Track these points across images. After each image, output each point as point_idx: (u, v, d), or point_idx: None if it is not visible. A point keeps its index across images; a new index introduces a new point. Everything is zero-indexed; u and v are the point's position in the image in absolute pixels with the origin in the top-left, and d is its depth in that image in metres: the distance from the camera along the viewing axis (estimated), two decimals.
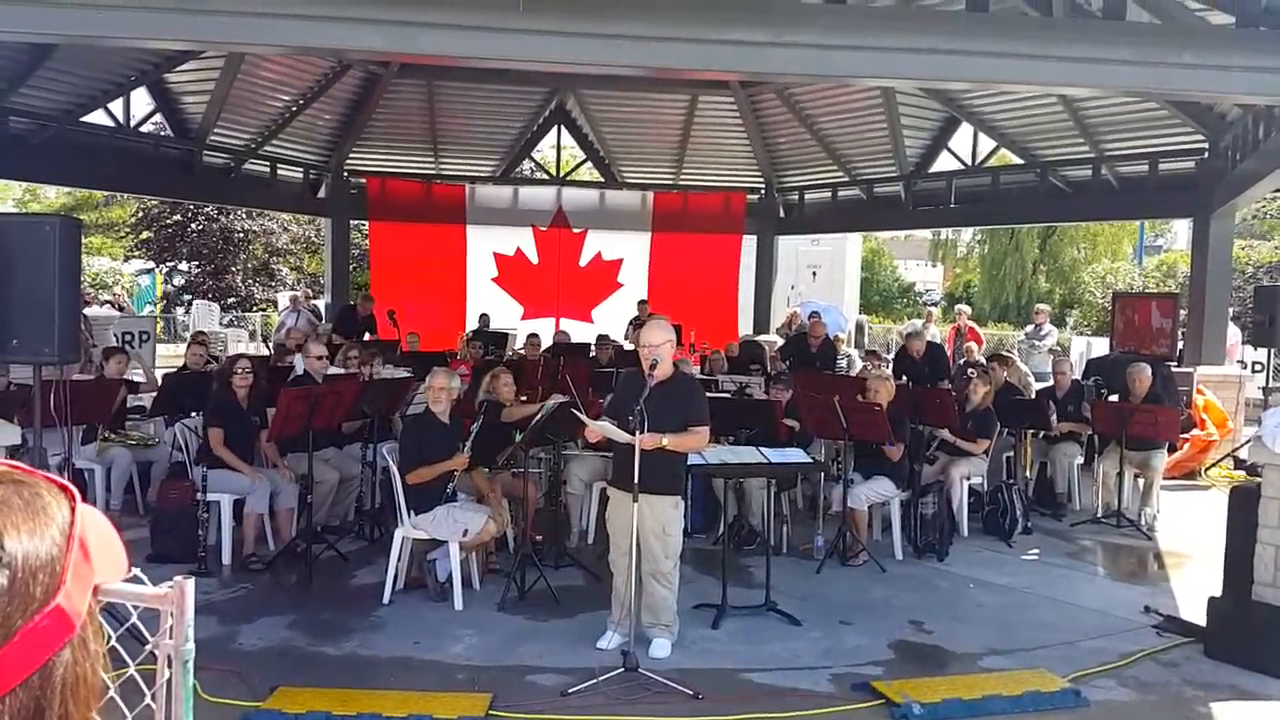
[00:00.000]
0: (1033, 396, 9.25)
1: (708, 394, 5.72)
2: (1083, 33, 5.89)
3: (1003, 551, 7.11)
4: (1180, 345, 11.19)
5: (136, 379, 7.85)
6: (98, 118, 12.15)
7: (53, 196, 28.24)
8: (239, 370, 6.42)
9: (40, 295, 4.51)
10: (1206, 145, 11.06)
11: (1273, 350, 10.49)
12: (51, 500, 0.75)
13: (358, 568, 6.21)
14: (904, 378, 9.04)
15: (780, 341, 12.89)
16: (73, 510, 0.75)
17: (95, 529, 0.78)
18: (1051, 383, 9.24)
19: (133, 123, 12.61)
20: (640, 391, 4.62)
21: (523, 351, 10.68)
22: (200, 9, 5.13)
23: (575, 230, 15.23)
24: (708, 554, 6.45)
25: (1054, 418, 8.32)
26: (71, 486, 0.78)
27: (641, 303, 13.63)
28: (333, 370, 7.42)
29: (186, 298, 25.04)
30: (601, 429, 4.76)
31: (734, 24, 5.58)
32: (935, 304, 30.11)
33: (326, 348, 7.70)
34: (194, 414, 6.63)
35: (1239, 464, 9.96)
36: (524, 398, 7.13)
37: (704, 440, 4.88)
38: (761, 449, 5.80)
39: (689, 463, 5.05)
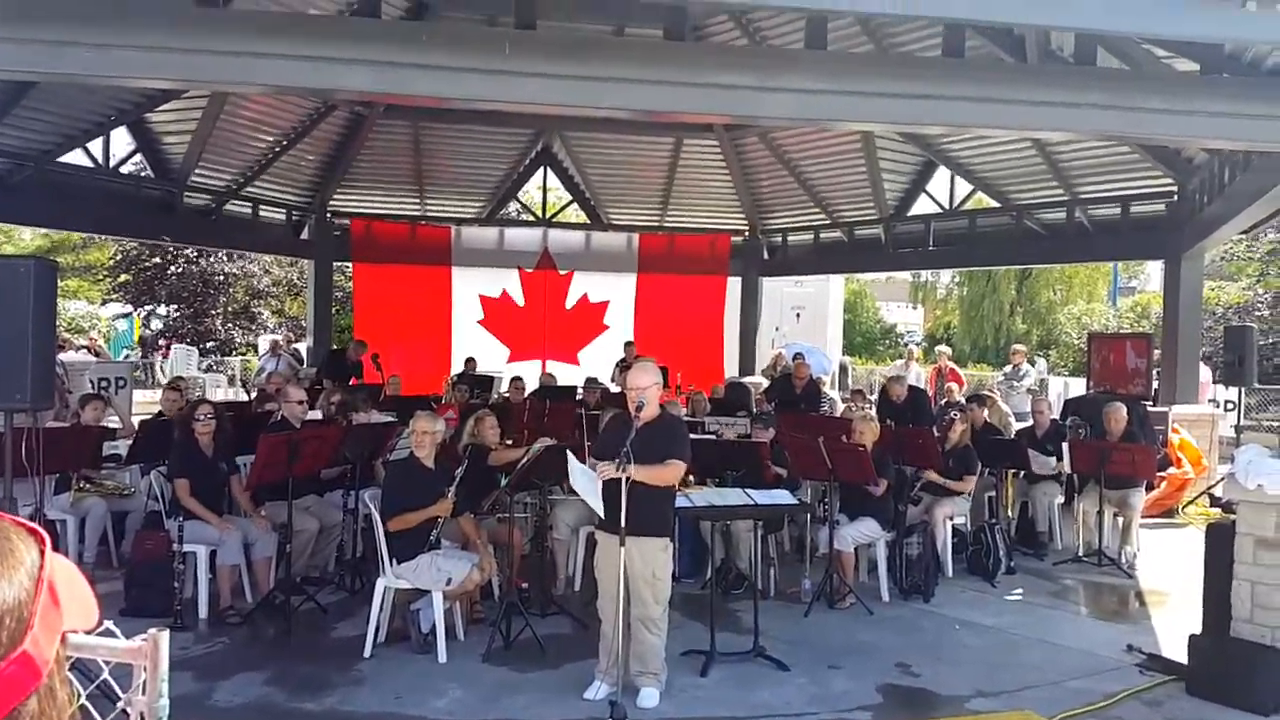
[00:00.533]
0: (1012, 436, 9.28)
1: (692, 435, 5.70)
2: (1055, 78, 6.02)
3: (987, 591, 7.11)
4: (1155, 384, 11.30)
5: (113, 425, 7.73)
6: (77, 158, 12.06)
7: (29, 238, 28.05)
8: (201, 417, 6.22)
9: (13, 339, 4.45)
10: (1175, 189, 11.28)
11: (1243, 389, 10.61)
12: (20, 544, 0.72)
13: (338, 620, 6.08)
14: (888, 421, 9.06)
15: (765, 383, 12.90)
16: (42, 554, 0.73)
17: (64, 575, 0.75)
18: (1031, 422, 9.29)
19: (113, 163, 12.53)
20: (627, 433, 4.60)
21: (508, 395, 10.62)
22: (185, 48, 5.12)
23: (561, 272, 15.27)
24: (695, 599, 6.40)
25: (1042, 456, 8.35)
26: (41, 530, 0.76)
27: (628, 344, 13.62)
28: (313, 415, 7.32)
29: (162, 343, 24.80)
30: (580, 490, 4.71)
31: (718, 68, 5.66)
32: (918, 344, 30.35)
33: (307, 392, 7.62)
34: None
35: (1215, 501, 10.02)
36: (509, 441, 7.07)
37: (676, 473, 4.81)
38: (748, 491, 5.78)
39: (676, 506, 5.02)
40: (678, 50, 5.70)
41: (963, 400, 10.50)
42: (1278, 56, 5.82)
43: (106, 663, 1.47)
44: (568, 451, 5.02)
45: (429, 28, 6.11)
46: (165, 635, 1.53)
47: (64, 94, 10.61)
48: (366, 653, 5.40)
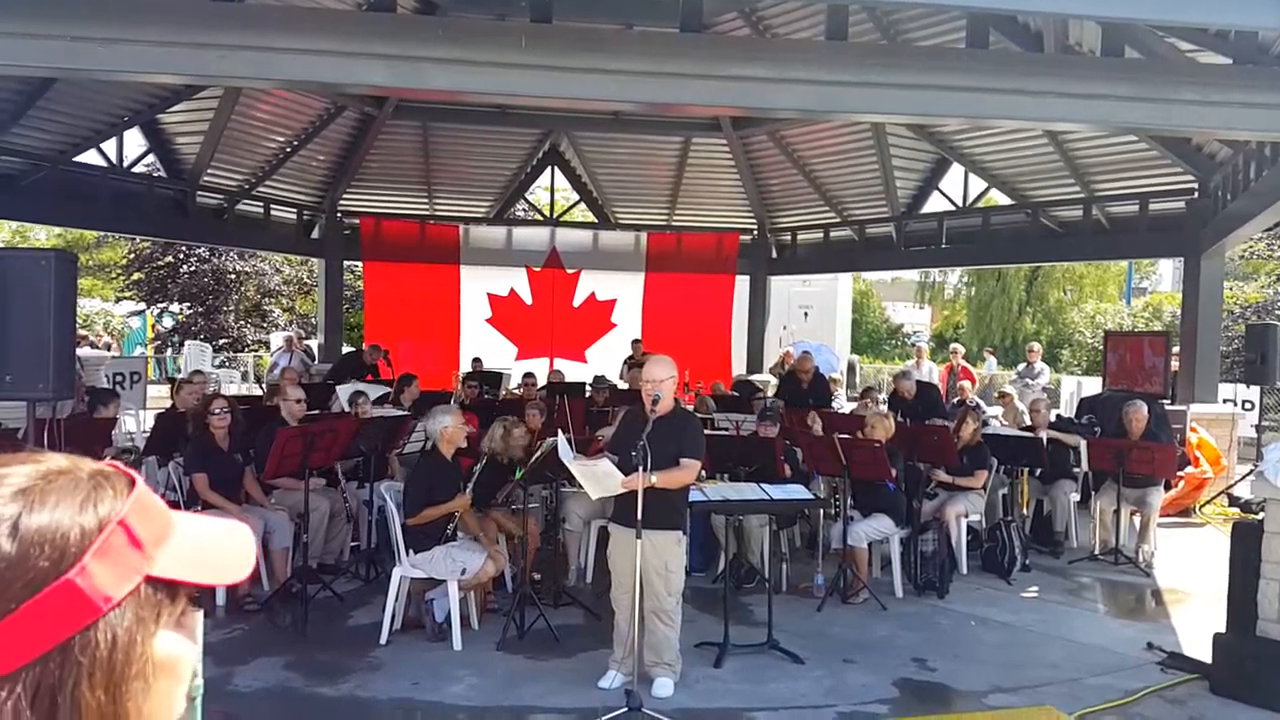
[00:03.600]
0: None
1: (706, 431, 5.68)
2: (1082, 69, 5.93)
3: (1002, 589, 7.07)
4: (1173, 383, 11.21)
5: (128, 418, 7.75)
6: (90, 158, 12.12)
7: (43, 238, 28.21)
8: (216, 411, 6.25)
9: (35, 330, 4.47)
10: (1196, 185, 11.16)
11: (1263, 388, 10.53)
12: (110, 490, 0.71)
13: (354, 608, 6.12)
14: (900, 418, 9.00)
15: (773, 381, 12.86)
16: (130, 494, 0.71)
17: (193, 530, 0.74)
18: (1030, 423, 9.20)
19: (126, 163, 12.58)
20: (642, 427, 4.59)
21: (519, 391, 10.65)
22: (199, 43, 5.13)
23: (569, 271, 15.28)
24: (707, 592, 6.40)
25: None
26: (134, 473, 0.74)
27: (635, 342, 13.63)
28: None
29: (176, 339, 24.92)
30: (573, 468, 4.71)
31: (732, 61, 5.64)
32: (924, 345, 30.25)
33: (320, 389, 7.63)
34: None
35: (1234, 501, 9.95)
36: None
37: (691, 474, 4.80)
38: (763, 486, 5.76)
39: (691, 500, 5.01)
40: (692, 43, 5.66)
41: (976, 398, 10.45)
42: None
43: None
44: (559, 433, 5.01)
45: (444, 22, 6.08)
46: (199, 615, 1.53)
47: (77, 95, 10.66)
48: (383, 640, 5.42)
